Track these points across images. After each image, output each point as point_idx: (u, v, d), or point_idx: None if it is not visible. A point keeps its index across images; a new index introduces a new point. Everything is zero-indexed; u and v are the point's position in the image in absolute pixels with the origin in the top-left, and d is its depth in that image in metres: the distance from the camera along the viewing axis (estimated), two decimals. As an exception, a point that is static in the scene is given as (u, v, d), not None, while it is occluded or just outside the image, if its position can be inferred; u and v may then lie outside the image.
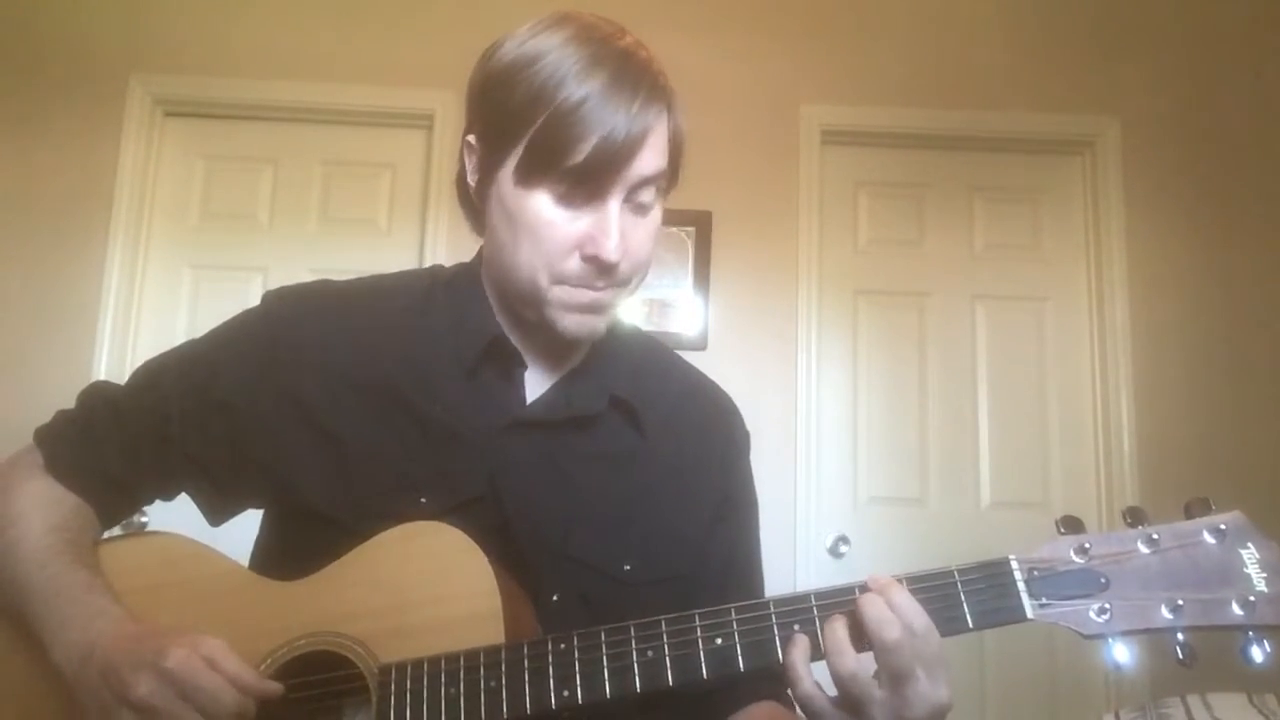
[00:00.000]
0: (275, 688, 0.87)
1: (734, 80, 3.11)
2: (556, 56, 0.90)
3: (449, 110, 3.07)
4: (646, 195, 0.93)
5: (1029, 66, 3.23)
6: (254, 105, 3.16)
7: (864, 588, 0.80)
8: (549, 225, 0.91)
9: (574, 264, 0.92)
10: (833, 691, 0.80)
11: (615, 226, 0.90)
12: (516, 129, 0.90)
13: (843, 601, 0.80)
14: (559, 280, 0.92)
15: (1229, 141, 3.18)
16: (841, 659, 0.78)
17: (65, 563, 0.94)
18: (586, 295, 0.93)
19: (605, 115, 0.88)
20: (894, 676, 0.77)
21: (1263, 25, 3.23)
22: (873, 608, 0.78)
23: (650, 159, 0.92)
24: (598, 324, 0.96)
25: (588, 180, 0.89)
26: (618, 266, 0.92)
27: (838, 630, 0.79)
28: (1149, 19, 3.25)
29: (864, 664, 0.78)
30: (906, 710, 0.77)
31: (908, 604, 0.78)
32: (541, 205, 0.91)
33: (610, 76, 0.89)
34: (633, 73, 0.91)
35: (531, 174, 0.90)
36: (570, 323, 0.94)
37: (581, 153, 0.88)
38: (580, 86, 0.88)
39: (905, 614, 0.77)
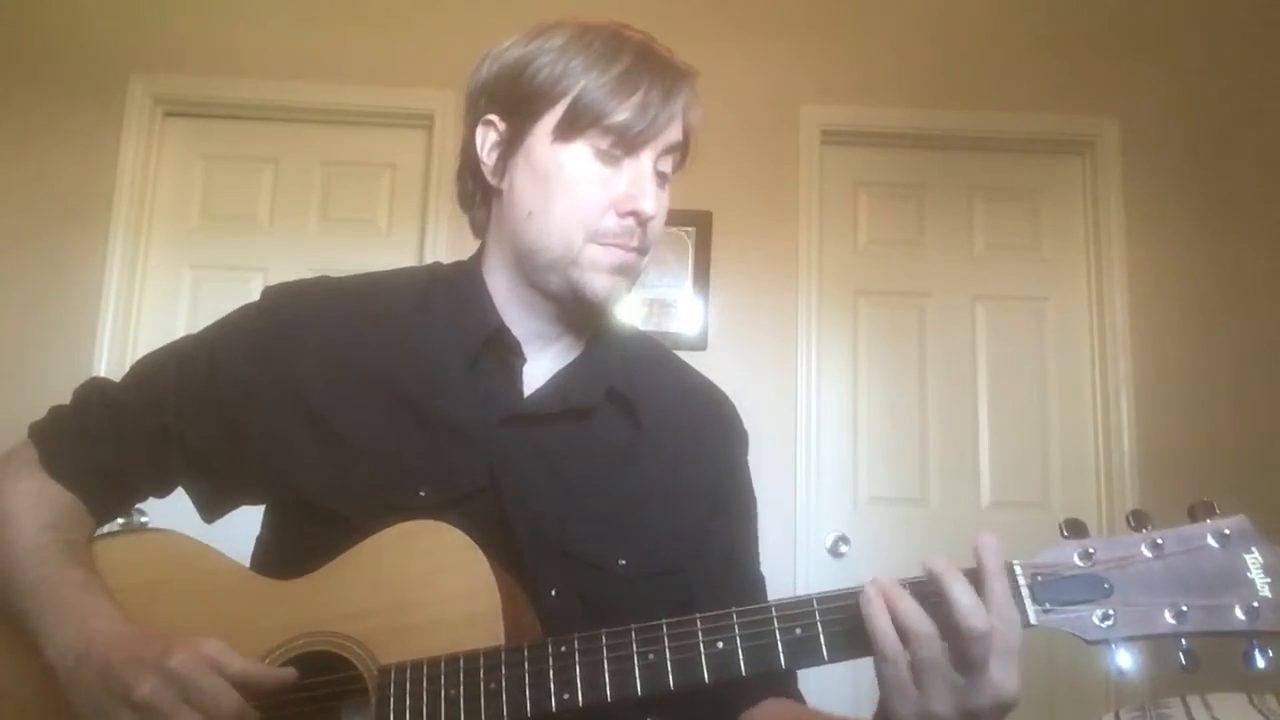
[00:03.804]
0: (287, 674, 0.86)
1: (734, 80, 3.11)
2: (581, 41, 0.97)
3: (449, 110, 3.06)
4: (667, 165, 0.99)
5: (1029, 66, 3.23)
6: (254, 105, 3.16)
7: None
8: (586, 182, 0.95)
9: (610, 221, 0.95)
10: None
11: (650, 183, 0.96)
12: (553, 94, 0.95)
13: (846, 606, 0.79)
14: (593, 238, 0.95)
15: (1229, 141, 3.18)
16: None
17: (59, 561, 0.94)
18: (618, 255, 0.96)
19: (645, 82, 0.94)
20: (962, 666, 0.74)
21: (1263, 25, 3.22)
22: (959, 594, 0.74)
23: (679, 128, 0.98)
24: (623, 288, 0.99)
25: (628, 135, 0.94)
26: (652, 222, 0.96)
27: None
28: (1149, 19, 3.25)
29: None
30: (968, 696, 0.74)
31: (1002, 593, 0.75)
32: (580, 160, 0.95)
33: (639, 54, 0.96)
34: (659, 53, 0.98)
35: (573, 129, 0.95)
36: (600, 284, 0.96)
37: (626, 111, 0.93)
38: (616, 61, 0.95)
39: (995, 603, 0.74)
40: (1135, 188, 3.17)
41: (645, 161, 0.96)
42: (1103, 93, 3.21)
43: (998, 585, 0.75)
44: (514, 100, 0.98)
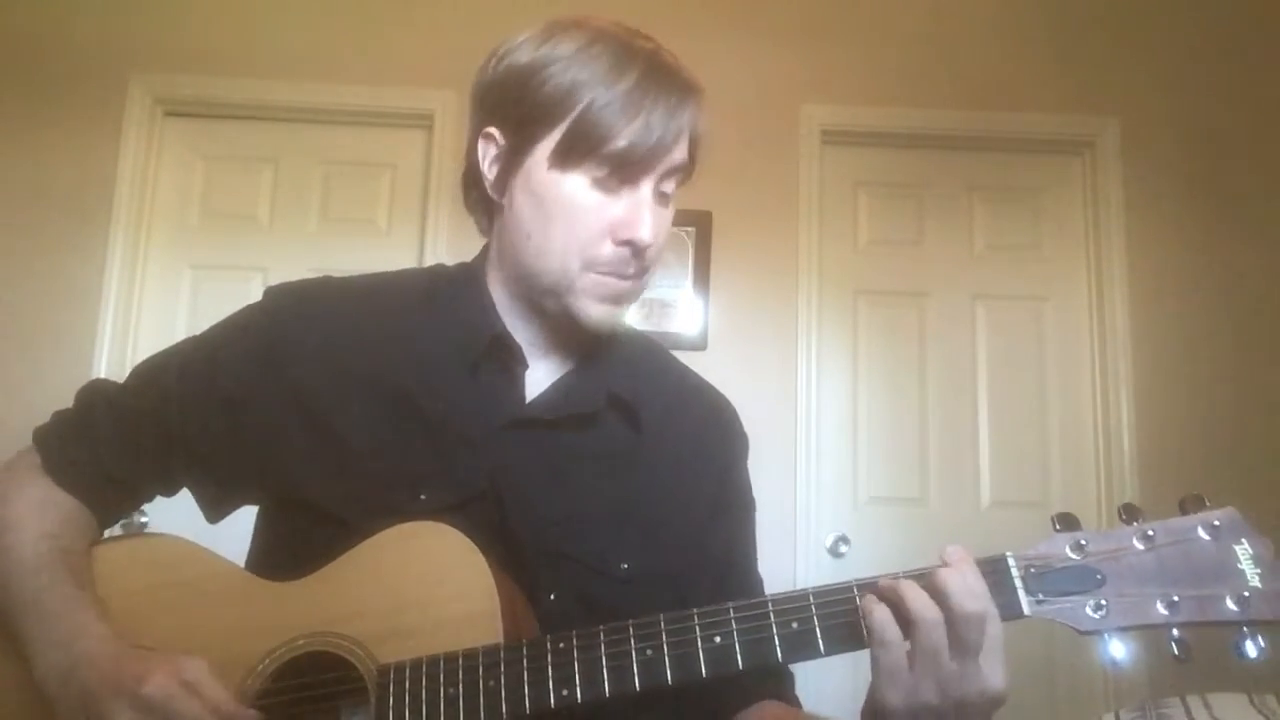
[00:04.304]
0: (252, 716, 0.86)
1: (734, 80, 3.11)
2: (587, 54, 0.93)
3: (449, 110, 3.07)
4: (670, 185, 0.97)
5: (1029, 66, 3.23)
6: (254, 105, 3.16)
7: (863, 586, 0.80)
8: (584, 209, 0.93)
9: (607, 249, 0.94)
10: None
11: (649, 211, 0.94)
12: (552, 116, 0.92)
13: (842, 600, 0.79)
14: (590, 266, 0.94)
15: (1229, 141, 3.18)
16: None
17: (54, 575, 0.93)
18: (614, 285, 0.95)
19: (648, 104, 0.91)
20: (958, 650, 0.75)
21: (1263, 25, 3.23)
22: (954, 580, 0.76)
23: (683, 149, 0.95)
24: (620, 316, 0.99)
25: (627, 165, 0.92)
26: (649, 250, 0.94)
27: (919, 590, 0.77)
28: (1149, 19, 3.26)
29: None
30: (957, 685, 0.75)
31: (979, 584, 0.77)
32: (577, 188, 0.93)
33: (646, 70, 0.92)
34: (667, 67, 0.95)
35: (570, 157, 0.92)
36: (596, 313, 0.96)
37: (625, 138, 0.91)
38: (621, 78, 0.91)
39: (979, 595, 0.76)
40: (1135, 188, 3.17)
41: (645, 190, 0.94)
42: (1103, 93, 3.21)
43: (973, 581, 0.76)
44: (515, 117, 0.95)
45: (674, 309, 3.08)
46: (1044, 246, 3.25)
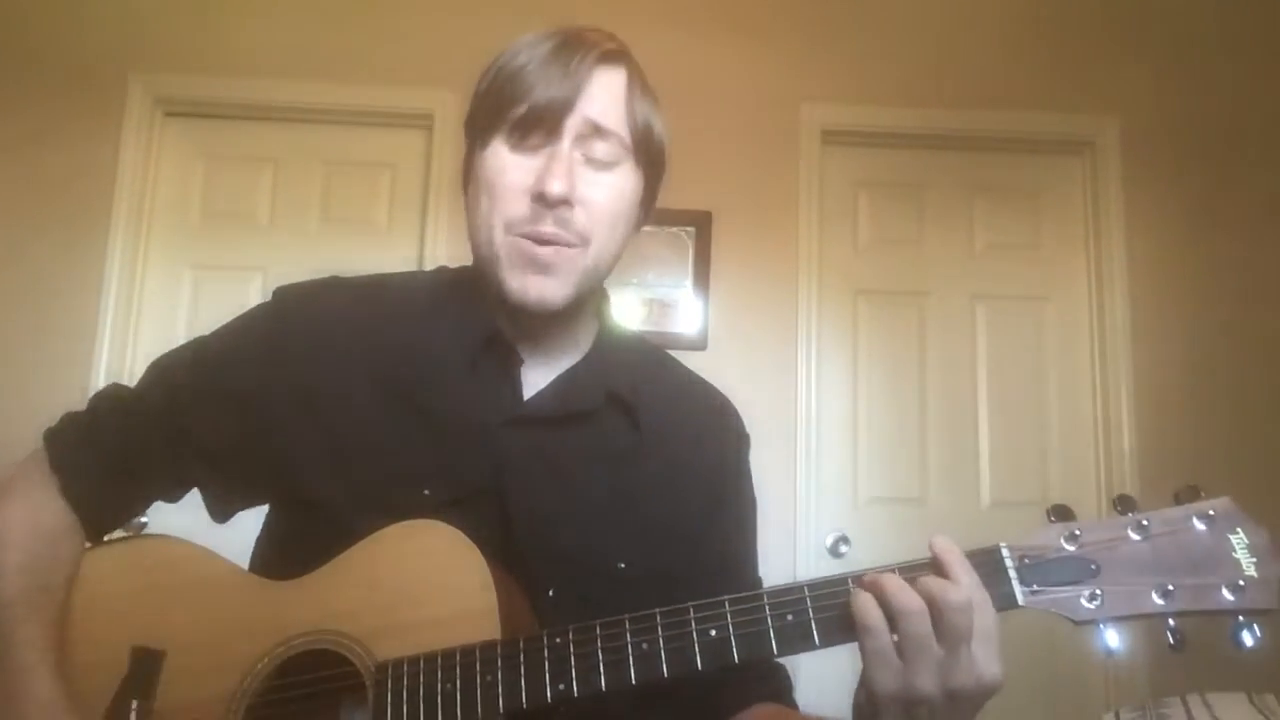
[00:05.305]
0: None
1: (734, 80, 3.12)
2: (518, 45, 0.98)
3: (449, 110, 3.07)
4: (601, 149, 0.97)
5: (1029, 66, 3.23)
6: (254, 105, 3.16)
7: (856, 579, 0.80)
8: (502, 172, 0.95)
9: (521, 207, 0.94)
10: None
11: (561, 165, 0.94)
12: (487, 105, 0.98)
13: (836, 592, 0.79)
14: (509, 229, 0.95)
15: (1229, 141, 3.18)
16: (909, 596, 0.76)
17: (17, 626, 0.92)
18: (530, 249, 0.94)
19: (549, 67, 0.94)
20: (946, 638, 0.75)
21: (1263, 24, 3.23)
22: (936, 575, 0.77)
23: (597, 106, 0.96)
24: (546, 288, 0.96)
25: (535, 124, 0.94)
26: (566, 205, 0.94)
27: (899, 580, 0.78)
28: (1149, 19, 3.26)
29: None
30: (950, 673, 0.75)
31: (965, 573, 0.77)
32: (497, 154, 0.96)
33: (560, 43, 0.96)
34: (583, 39, 0.97)
35: (487, 130, 0.96)
36: (516, 284, 0.95)
37: (526, 102, 0.94)
38: (535, 52, 0.95)
39: (964, 585, 0.76)
40: (1135, 187, 3.18)
41: (563, 145, 0.94)
42: (1103, 93, 3.22)
43: (960, 571, 0.76)
44: (468, 125, 1.01)
45: (674, 309, 3.08)
46: (1044, 246, 3.25)
